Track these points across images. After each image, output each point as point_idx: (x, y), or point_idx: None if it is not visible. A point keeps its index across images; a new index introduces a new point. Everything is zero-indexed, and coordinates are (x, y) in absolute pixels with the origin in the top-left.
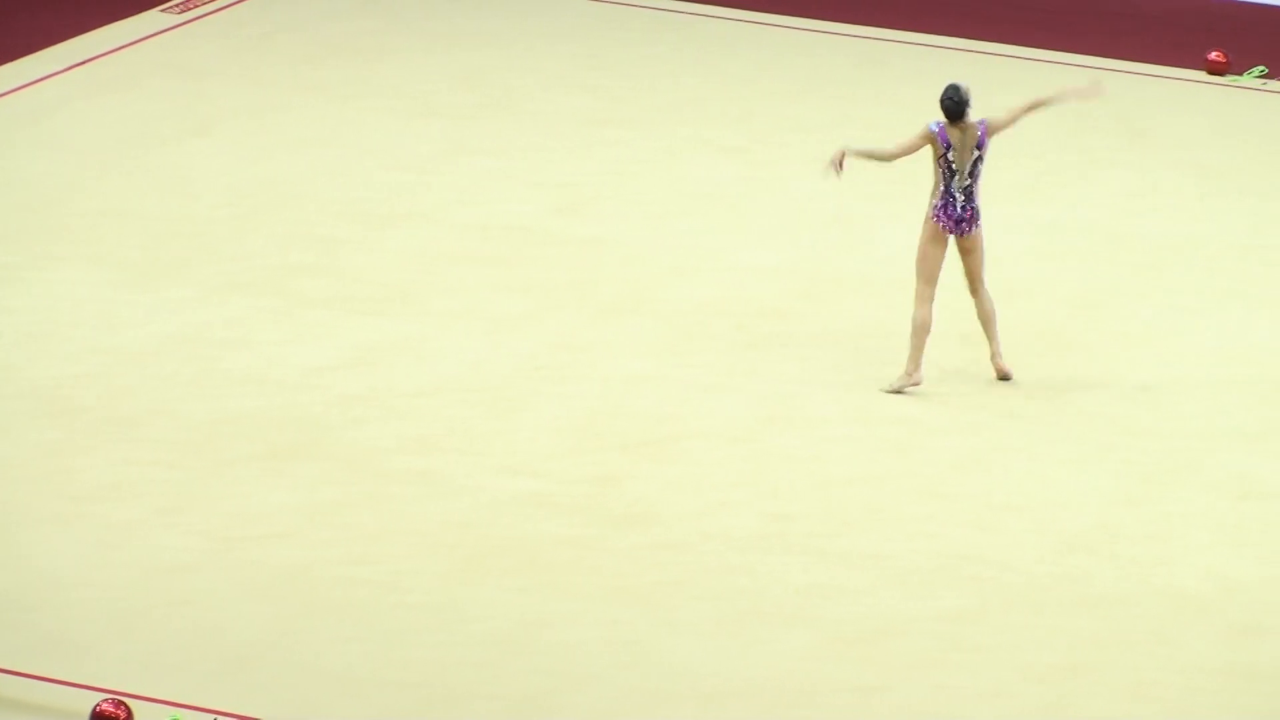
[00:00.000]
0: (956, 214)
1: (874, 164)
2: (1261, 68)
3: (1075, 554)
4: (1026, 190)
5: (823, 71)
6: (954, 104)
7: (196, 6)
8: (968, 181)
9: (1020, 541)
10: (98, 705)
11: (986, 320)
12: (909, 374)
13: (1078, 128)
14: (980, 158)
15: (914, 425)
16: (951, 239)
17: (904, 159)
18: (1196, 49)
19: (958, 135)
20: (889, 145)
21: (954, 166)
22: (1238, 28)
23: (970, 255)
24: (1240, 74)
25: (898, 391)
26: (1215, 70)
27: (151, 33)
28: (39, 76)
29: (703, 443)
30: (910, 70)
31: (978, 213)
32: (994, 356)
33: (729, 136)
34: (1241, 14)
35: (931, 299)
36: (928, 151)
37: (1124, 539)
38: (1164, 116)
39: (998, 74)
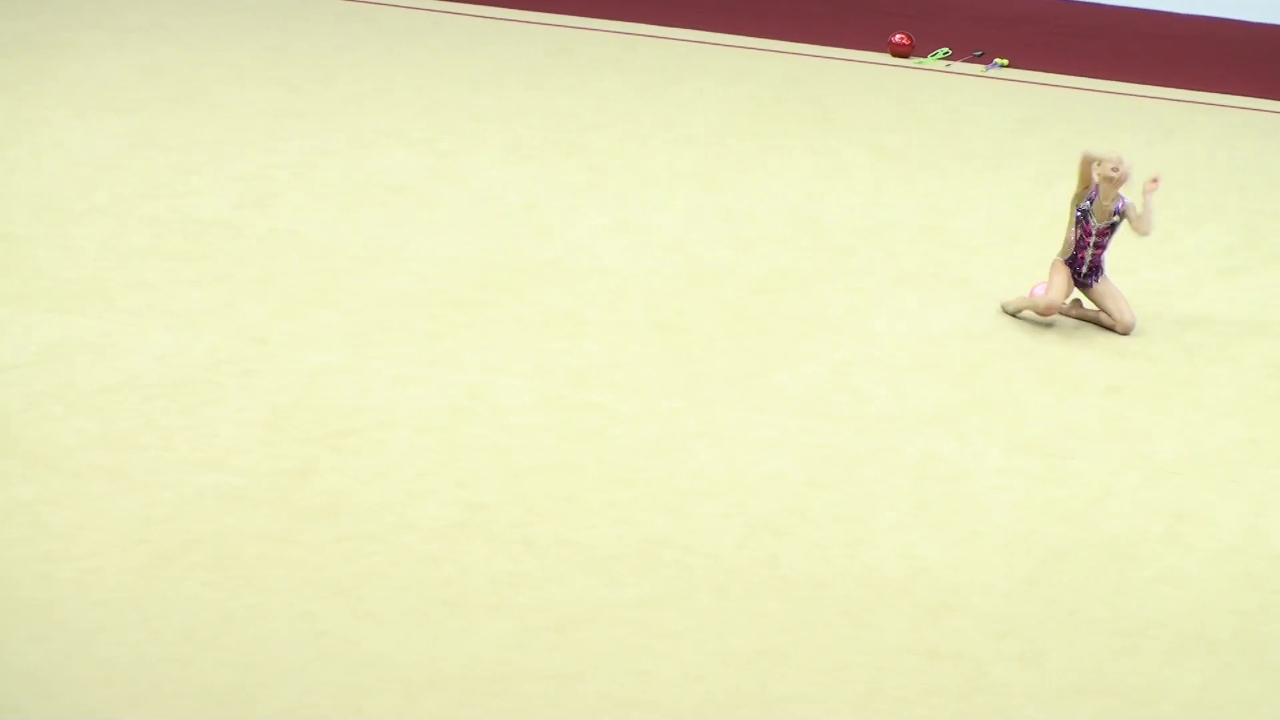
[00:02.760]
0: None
1: (568, 155)
2: (945, 50)
3: (767, 537)
4: (708, 176)
5: (509, 60)
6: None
7: None
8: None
9: (712, 526)
10: None
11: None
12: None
13: (760, 112)
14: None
15: (605, 412)
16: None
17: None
18: (880, 32)
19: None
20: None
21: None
22: (920, 10)
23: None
24: (924, 56)
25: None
26: (899, 53)
27: None
28: None
29: (395, 433)
30: (597, 58)
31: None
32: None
33: (415, 127)
34: None
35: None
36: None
37: (814, 522)
38: (848, 99)
39: (688, 61)
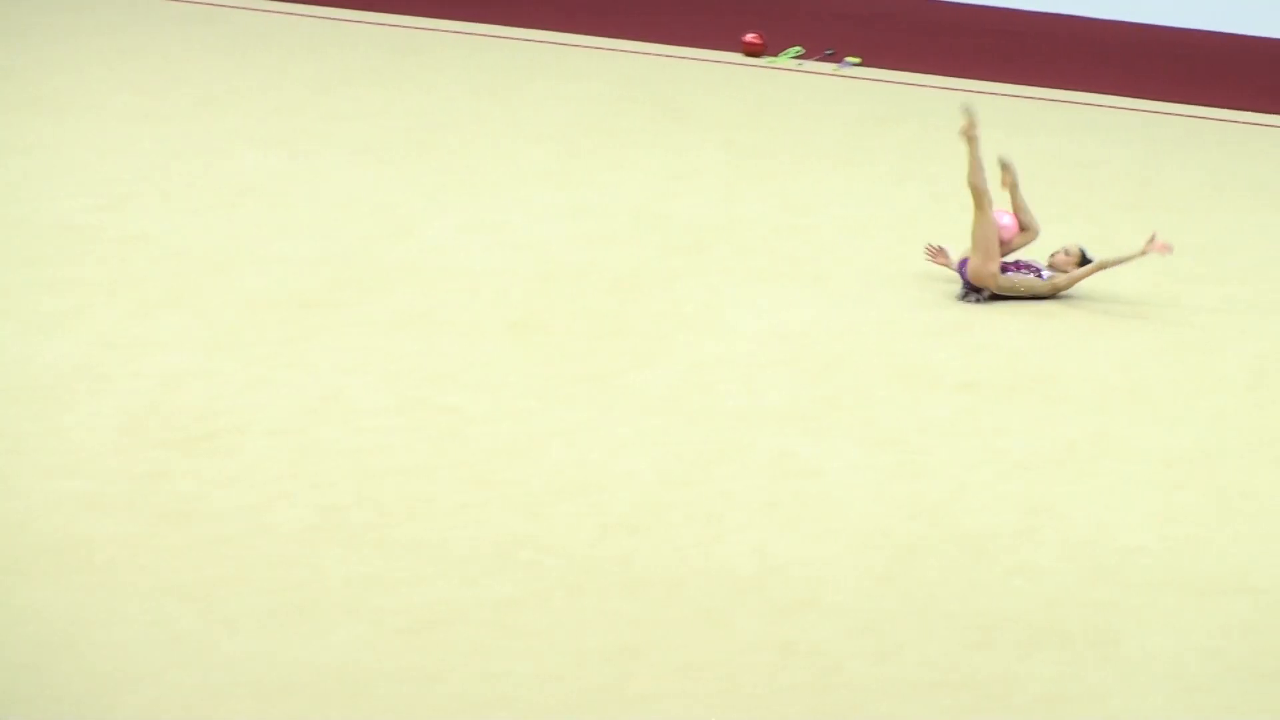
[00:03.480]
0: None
1: (420, 156)
2: (797, 48)
3: (622, 536)
4: (561, 176)
5: (360, 62)
6: None
7: None
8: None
9: (568, 526)
10: None
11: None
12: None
13: (612, 112)
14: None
15: (459, 413)
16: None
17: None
18: (733, 31)
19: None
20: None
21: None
22: (772, 9)
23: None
24: (776, 55)
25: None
26: (751, 52)
27: None
28: None
29: (252, 436)
30: (447, 60)
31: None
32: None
33: (267, 129)
34: None
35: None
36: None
37: (669, 521)
38: (700, 98)
39: (538, 62)
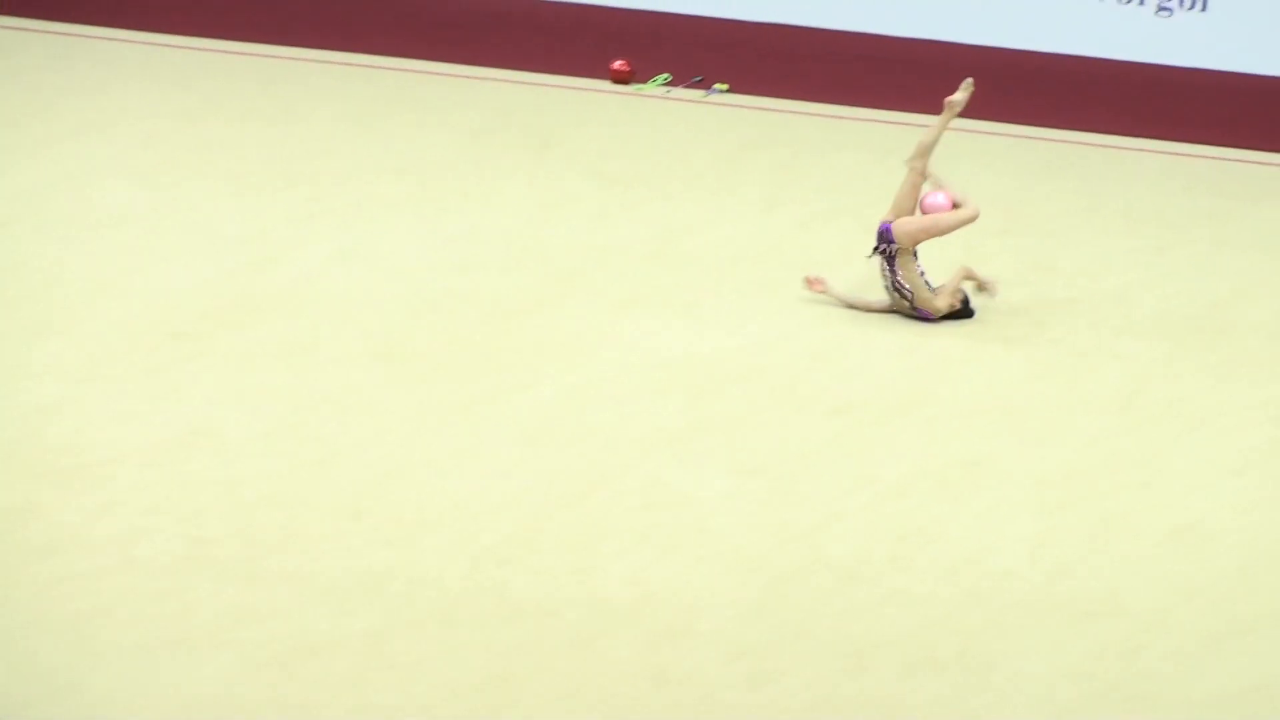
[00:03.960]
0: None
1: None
2: (665, 76)
3: (494, 566)
4: (432, 205)
5: (229, 92)
6: None
7: None
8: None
9: (439, 556)
10: None
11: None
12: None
13: (482, 141)
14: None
15: (332, 443)
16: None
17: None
18: (600, 59)
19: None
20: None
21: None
22: (640, 37)
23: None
24: (644, 83)
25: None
26: (619, 80)
27: None
28: None
29: (119, 468)
30: (317, 89)
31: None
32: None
33: (136, 160)
34: (644, 22)
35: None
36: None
37: (542, 549)
38: (570, 127)
39: (408, 91)
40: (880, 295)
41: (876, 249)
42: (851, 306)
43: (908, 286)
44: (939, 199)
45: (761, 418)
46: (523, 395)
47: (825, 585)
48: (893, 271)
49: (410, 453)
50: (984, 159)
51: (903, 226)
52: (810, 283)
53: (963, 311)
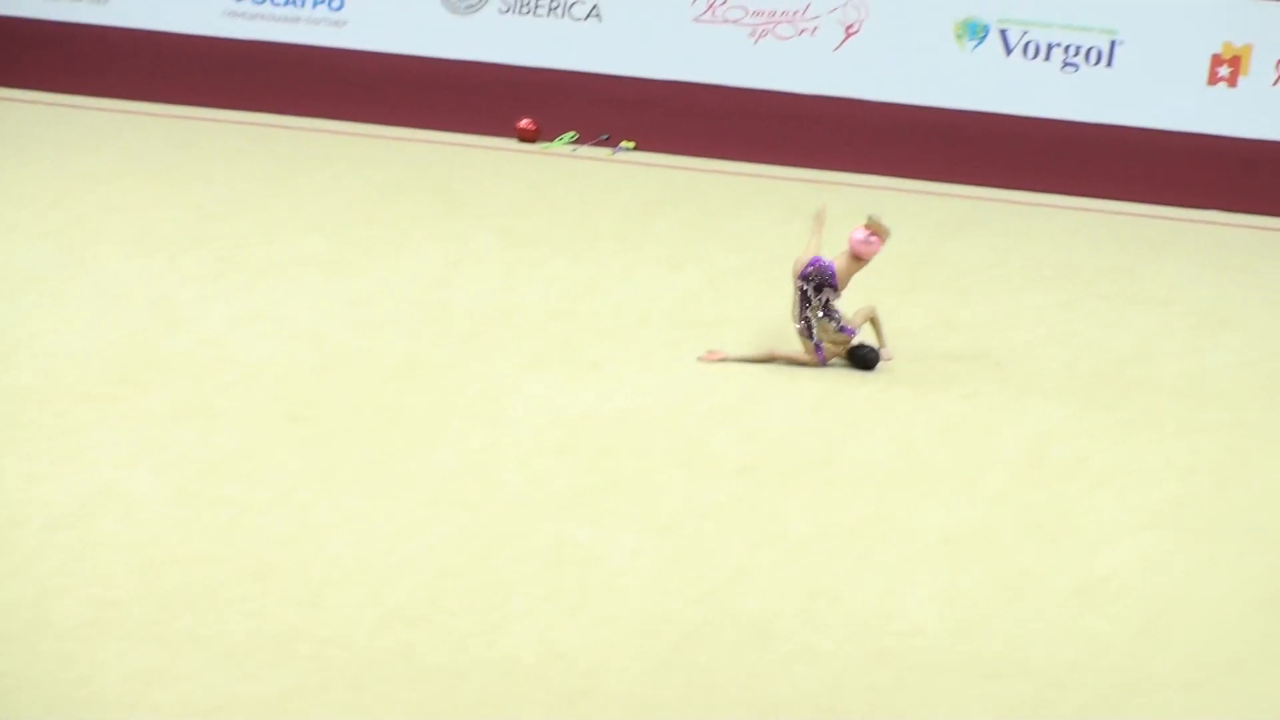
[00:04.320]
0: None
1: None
2: (572, 133)
3: (403, 627)
4: (338, 264)
5: (137, 153)
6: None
7: None
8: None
9: (347, 616)
10: None
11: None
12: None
13: (389, 200)
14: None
15: (237, 504)
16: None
17: None
18: (507, 117)
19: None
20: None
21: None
22: (547, 95)
23: None
24: (551, 141)
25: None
26: (526, 138)
27: None
28: None
29: (26, 531)
30: (225, 150)
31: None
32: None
33: (43, 221)
34: (551, 81)
35: None
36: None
37: (449, 610)
38: (477, 185)
39: (315, 151)
40: (786, 345)
41: (811, 284)
42: (756, 362)
43: (837, 311)
44: (861, 233)
45: (669, 475)
46: (429, 454)
47: (734, 643)
48: (823, 301)
49: (317, 513)
50: (893, 215)
51: (840, 265)
52: (709, 355)
53: (862, 358)
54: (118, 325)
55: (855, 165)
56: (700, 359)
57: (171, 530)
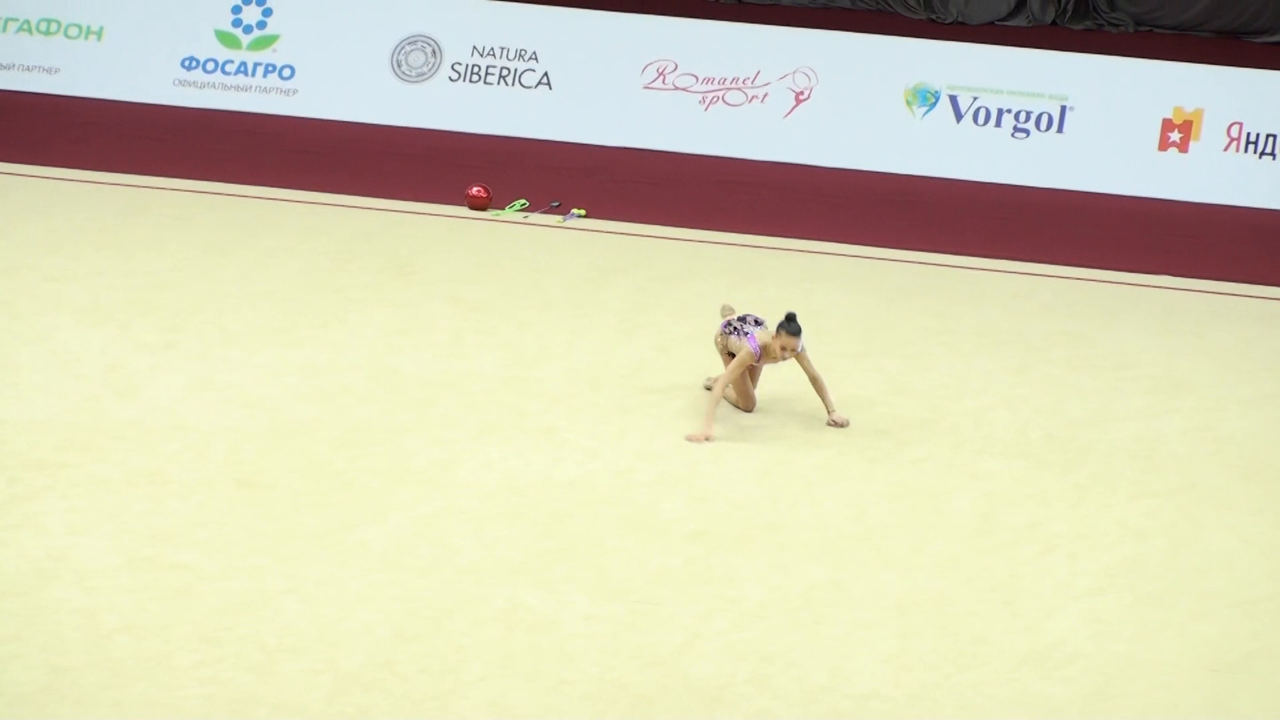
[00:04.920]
0: None
1: (146, 314)
2: (523, 201)
3: (357, 692)
4: (288, 332)
5: (85, 221)
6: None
7: None
8: None
9: (301, 683)
10: None
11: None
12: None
13: (339, 268)
14: None
15: (190, 571)
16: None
17: None
18: (457, 185)
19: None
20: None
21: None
22: (497, 162)
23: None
24: (502, 208)
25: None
26: (476, 205)
27: None
28: None
29: None
30: (174, 217)
31: None
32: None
33: None
34: (501, 148)
35: None
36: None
37: (403, 675)
38: (427, 252)
39: (265, 219)
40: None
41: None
42: (728, 398)
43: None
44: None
45: (621, 541)
46: (381, 521)
47: (687, 709)
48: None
49: (270, 580)
50: (842, 281)
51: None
52: (693, 437)
53: (790, 318)
54: (69, 393)
55: (806, 232)
56: (689, 438)
57: (124, 597)
